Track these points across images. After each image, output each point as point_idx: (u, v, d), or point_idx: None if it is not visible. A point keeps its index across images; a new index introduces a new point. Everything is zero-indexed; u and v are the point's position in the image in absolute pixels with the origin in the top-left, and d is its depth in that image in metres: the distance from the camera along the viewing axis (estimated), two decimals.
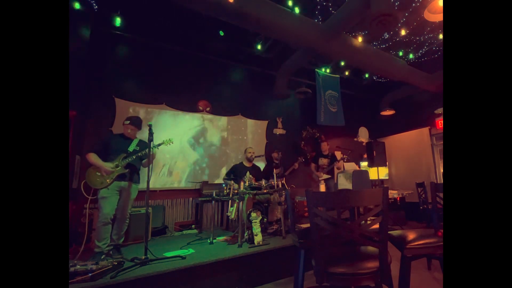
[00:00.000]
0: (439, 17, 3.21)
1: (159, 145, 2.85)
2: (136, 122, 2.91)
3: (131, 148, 2.81)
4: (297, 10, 3.67)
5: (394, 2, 3.49)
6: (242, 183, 3.31)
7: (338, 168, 4.87)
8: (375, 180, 5.64)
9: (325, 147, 5.06)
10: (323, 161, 4.95)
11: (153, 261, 2.30)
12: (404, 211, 5.37)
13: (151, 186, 2.66)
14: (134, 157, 2.72)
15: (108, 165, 2.59)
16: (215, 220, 4.32)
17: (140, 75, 4.54)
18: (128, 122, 2.85)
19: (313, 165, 5.07)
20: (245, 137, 5.51)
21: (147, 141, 2.59)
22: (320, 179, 4.78)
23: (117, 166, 2.64)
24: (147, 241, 2.41)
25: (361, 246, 1.46)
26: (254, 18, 3.30)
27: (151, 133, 2.58)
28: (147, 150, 2.63)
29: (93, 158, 2.61)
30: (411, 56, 5.11)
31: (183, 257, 2.41)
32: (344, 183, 3.09)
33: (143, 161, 2.88)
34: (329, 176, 4.86)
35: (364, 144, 6.01)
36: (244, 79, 5.58)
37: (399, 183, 6.60)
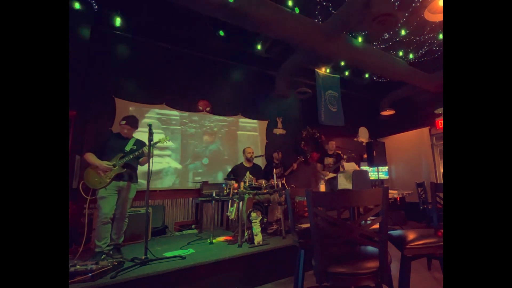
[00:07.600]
0: (439, 17, 3.21)
1: (156, 143, 2.84)
2: (132, 122, 2.90)
3: (128, 148, 2.82)
4: (297, 10, 3.67)
5: (394, 2, 3.49)
6: (242, 183, 3.31)
7: (342, 167, 4.85)
8: (375, 180, 5.65)
9: (332, 146, 5.03)
10: (329, 160, 4.93)
11: (153, 261, 2.30)
12: (404, 211, 5.36)
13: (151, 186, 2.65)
14: (131, 156, 2.72)
15: (105, 163, 2.60)
16: (215, 220, 4.31)
17: (140, 75, 4.53)
18: (124, 122, 2.85)
19: (318, 165, 5.03)
20: (245, 137, 5.51)
21: (144, 140, 2.58)
22: (326, 178, 4.77)
23: (114, 165, 2.65)
24: (147, 241, 2.41)
25: (361, 246, 1.46)
26: (254, 18, 3.30)
27: (151, 133, 2.58)
28: (144, 148, 2.66)
29: (90, 157, 2.62)
30: (411, 56, 5.11)
31: (183, 257, 2.41)
32: (344, 183, 3.09)
33: (140, 159, 2.89)
34: (335, 175, 4.82)
35: (364, 144, 6.01)
36: (244, 79, 5.57)
37: (399, 183, 6.60)
